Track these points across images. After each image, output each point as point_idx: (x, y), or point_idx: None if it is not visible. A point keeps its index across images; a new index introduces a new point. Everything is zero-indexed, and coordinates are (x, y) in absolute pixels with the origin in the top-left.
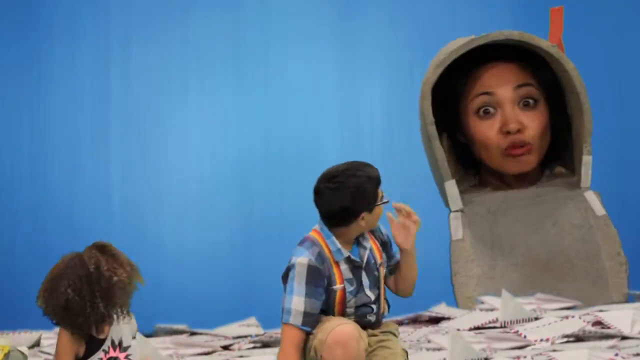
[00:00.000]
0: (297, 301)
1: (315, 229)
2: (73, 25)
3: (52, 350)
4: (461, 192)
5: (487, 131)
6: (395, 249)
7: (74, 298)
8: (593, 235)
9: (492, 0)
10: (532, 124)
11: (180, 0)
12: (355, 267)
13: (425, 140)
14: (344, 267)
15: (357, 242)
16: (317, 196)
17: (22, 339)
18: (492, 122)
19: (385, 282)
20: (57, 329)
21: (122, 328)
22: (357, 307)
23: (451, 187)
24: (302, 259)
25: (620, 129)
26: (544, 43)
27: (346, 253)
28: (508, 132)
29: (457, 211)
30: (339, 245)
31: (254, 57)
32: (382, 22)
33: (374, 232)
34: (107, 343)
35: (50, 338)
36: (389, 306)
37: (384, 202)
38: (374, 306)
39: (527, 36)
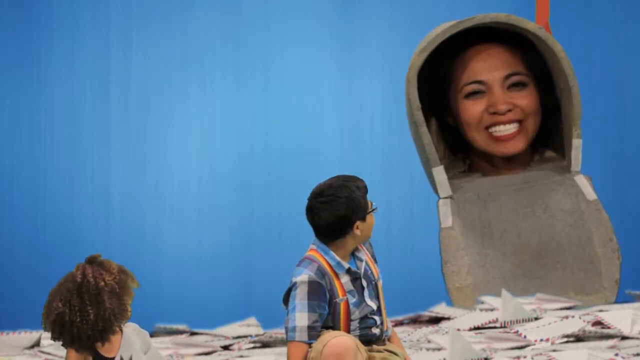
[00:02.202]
0: (300, 317)
1: (312, 247)
2: (73, 25)
3: (52, 350)
4: (450, 179)
5: (473, 108)
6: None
7: (65, 311)
8: (584, 221)
9: (492, 1)
10: (522, 101)
11: (180, 0)
12: (355, 278)
13: (412, 126)
14: (344, 279)
15: (353, 255)
16: (310, 213)
17: (22, 339)
18: (480, 102)
19: None
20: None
21: (133, 344)
22: (361, 319)
23: (439, 173)
24: (303, 277)
25: (618, 128)
26: (530, 25)
27: (346, 265)
28: (495, 113)
29: (446, 198)
30: (339, 259)
31: (253, 57)
32: (382, 22)
33: (365, 246)
34: None
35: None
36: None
37: (373, 210)
38: (376, 318)
39: (514, 18)
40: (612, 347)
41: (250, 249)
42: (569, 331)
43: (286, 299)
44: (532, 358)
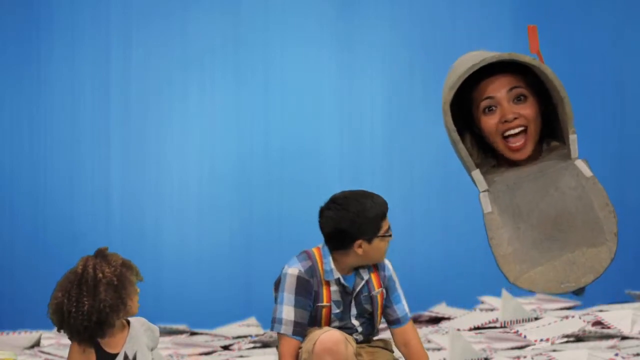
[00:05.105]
0: (287, 310)
1: (318, 246)
2: (73, 25)
3: (52, 350)
4: (484, 173)
5: (489, 121)
6: (396, 301)
7: (64, 301)
8: (586, 193)
9: (492, 1)
10: (525, 111)
11: (180, 0)
12: (346, 293)
13: (452, 143)
14: (334, 288)
15: (357, 271)
16: (319, 217)
17: (22, 339)
18: (494, 116)
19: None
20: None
21: (139, 341)
22: (340, 328)
23: (477, 175)
24: (293, 269)
25: (618, 128)
26: (527, 58)
27: (337, 275)
28: (506, 121)
29: (484, 191)
30: (333, 266)
31: (253, 57)
32: (382, 22)
33: (379, 271)
34: (119, 358)
35: (50, 338)
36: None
37: (386, 235)
38: (359, 329)
39: (514, 55)
40: (612, 347)
41: (250, 249)
42: (569, 331)
43: (277, 286)
44: (532, 358)
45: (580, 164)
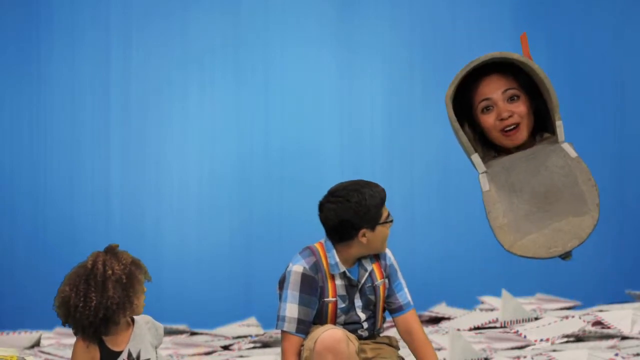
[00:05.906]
0: (291, 308)
1: (320, 241)
2: (73, 25)
3: (52, 350)
4: (485, 162)
5: (488, 120)
6: (398, 289)
7: (71, 295)
8: (572, 171)
9: (492, 1)
10: (518, 109)
11: (180, 0)
12: (351, 285)
13: (454, 132)
14: (339, 282)
15: (360, 263)
16: (319, 211)
17: (22, 339)
18: (491, 114)
19: (389, 311)
20: (58, 329)
21: (144, 339)
22: (346, 324)
23: (476, 158)
24: (298, 267)
25: (618, 128)
26: (515, 56)
27: (342, 268)
28: (502, 119)
29: (483, 173)
30: (337, 260)
31: (253, 57)
32: (382, 22)
33: (380, 260)
34: (123, 356)
35: (50, 338)
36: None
37: (387, 221)
38: (365, 324)
39: (504, 54)
40: (612, 347)
41: (250, 249)
42: (569, 331)
43: (281, 284)
44: (532, 358)
45: (567, 147)
